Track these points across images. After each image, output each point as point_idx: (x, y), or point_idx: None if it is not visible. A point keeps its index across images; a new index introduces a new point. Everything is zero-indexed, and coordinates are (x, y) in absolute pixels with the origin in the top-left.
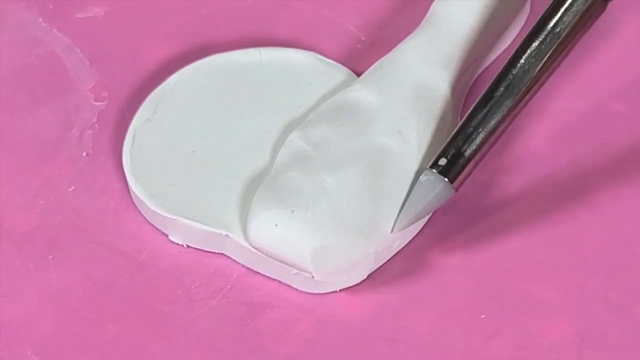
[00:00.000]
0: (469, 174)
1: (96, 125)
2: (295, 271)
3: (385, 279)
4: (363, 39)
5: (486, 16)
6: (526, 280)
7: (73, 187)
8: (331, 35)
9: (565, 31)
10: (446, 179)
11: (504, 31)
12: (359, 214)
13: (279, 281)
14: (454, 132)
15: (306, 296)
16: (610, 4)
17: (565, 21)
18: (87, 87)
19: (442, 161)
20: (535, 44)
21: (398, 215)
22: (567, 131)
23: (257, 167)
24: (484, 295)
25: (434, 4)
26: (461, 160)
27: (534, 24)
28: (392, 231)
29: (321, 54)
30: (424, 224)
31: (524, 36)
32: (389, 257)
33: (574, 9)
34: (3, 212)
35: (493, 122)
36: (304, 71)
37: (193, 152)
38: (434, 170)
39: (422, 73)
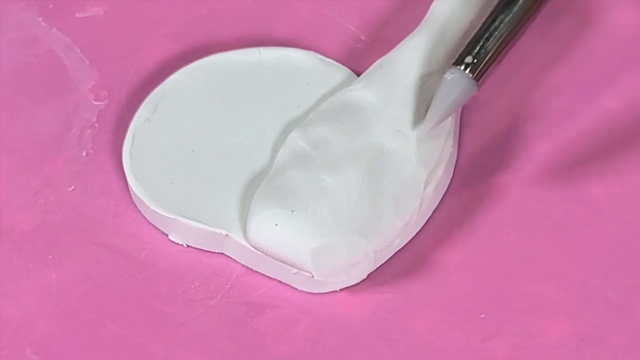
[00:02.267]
0: (491, 72)
1: (96, 125)
2: (295, 271)
3: (385, 278)
4: (363, 38)
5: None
6: (526, 280)
7: (73, 187)
8: (331, 35)
9: None
10: (470, 75)
11: None
12: (358, 214)
13: (279, 281)
14: (476, 31)
15: (306, 296)
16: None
17: None
18: (87, 87)
19: (468, 59)
20: None
21: (426, 114)
22: (567, 131)
23: (257, 167)
24: (484, 295)
25: (433, 4)
26: (484, 58)
27: None
28: (423, 131)
29: (321, 54)
30: (424, 223)
31: None
32: (389, 257)
33: None
34: (3, 212)
35: (514, 19)
36: (304, 71)
37: (193, 152)
38: (459, 68)
39: (422, 72)
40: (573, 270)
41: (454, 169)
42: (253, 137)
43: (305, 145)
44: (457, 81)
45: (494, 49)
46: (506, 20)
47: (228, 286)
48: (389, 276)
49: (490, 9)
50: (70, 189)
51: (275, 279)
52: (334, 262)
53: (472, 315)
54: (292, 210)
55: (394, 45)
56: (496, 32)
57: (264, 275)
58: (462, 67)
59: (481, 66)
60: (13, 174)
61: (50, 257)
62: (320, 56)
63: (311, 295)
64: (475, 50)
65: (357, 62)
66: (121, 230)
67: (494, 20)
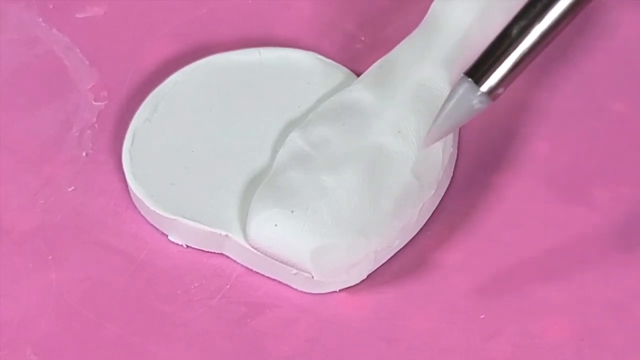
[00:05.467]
0: (509, 83)
1: (96, 125)
2: (295, 271)
3: (385, 279)
4: (363, 39)
5: (486, 16)
6: (526, 280)
7: (73, 187)
8: (331, 35)
9: None
10: (481, 89)
11: None
12: (358, 214)
13: (279, 281)
14: (494, 39)
15: (306, 296)
16: None
17: None
18: (86, 87)
19: (480, 69)
20: None
21: (431, 126)
22: (567, 131)
23: (257, 167)
24: (484, 295)
25: (433, 4)
26: (500, 67)
27: None
28: (424, 145)
29: (321, 54)
30: (424, 223)
31: None
32: (389, 257)
33: None
34: (3, 212)
35: (546, 29)
36: (304, 71)
37: (193, 152)
38: (470, 79)
39: (422, 73)
40: (573, 270)
41: (454, 169)
42: (253, 137)
43: (305, 146)
44: (465, 94)
45: (516, 62)
46: (535, 29)
47: (228, 286)
48: (389, 276)
49: (514, 12)
50: (70, 189)
51: (275, 279)
52: (333, 262)
53: (472, 315)
54: (292, 211)
55: (393, 46)
56: (521, 43)
57: (263, 275)
58: (476, 81)
59: (498, 81)
60: (13, 174)
61: (50, 257)
62: (320, 56)
63: (311, 295)
64: (493, 62)
65: (357, 62)
66: (121, 230)
67: (520, 28)
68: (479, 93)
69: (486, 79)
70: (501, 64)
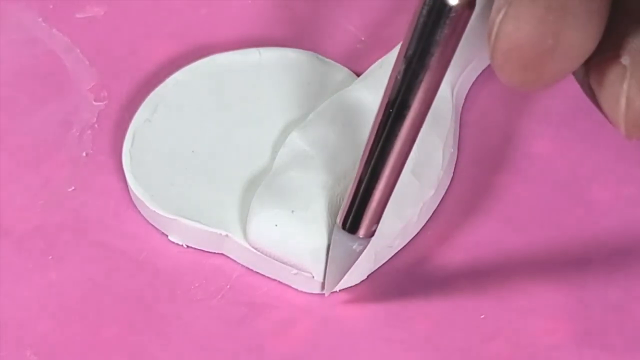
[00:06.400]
0: (378, 217)
1: (96, 125)
2: (295, 271)
3: (385, 279)
4: (363, 39)
5: (486, 15)
6: (526, 280)
7: (73, 187)
8: (331, 35)
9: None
10: (356, 234)
11: None
12: None
13: (279, 281)
14: (351, 186)
15: (306, 296)
16: None
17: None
18: (86, 87)
19: (348, 219)
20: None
21: (326, 279)
22: (567, 131)
23: (257, 167)
24: (484, 295)
25: None
26: (364, 212)
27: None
28: (326, 293)
29: (321, 54)
30: (424, 223)
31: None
32: (389, 257)
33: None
34: (3, 212)
35: (379, 165)
36: (304, 71)
37: (193, 152)
38: (341, 228)
39: None
40: (573, 270)
41: (454, 169)
42: (253, 137)
43: (305, 146)
44: (342, 243)
45: (377, 201)
46: (375, 165)
47: (228, 287)
48: (389, 276)
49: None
50: (70, 189)
51: (275, 280)
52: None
53: (472, 315)
54: (292, 211)
55: (394, 46)
56: (365, 183)
57: (264, 275)
58: (348, 230)
59: (368, 224)
60: (13, 174)
61: (50, 257)
62: (320, 56)
63: (311, 295)
64: (352, 208)
65: (357, 62)
66: (121, 230)
67: (362, 167)
68: (356, 241)
69: (356, 225)
70: (360, 209)
